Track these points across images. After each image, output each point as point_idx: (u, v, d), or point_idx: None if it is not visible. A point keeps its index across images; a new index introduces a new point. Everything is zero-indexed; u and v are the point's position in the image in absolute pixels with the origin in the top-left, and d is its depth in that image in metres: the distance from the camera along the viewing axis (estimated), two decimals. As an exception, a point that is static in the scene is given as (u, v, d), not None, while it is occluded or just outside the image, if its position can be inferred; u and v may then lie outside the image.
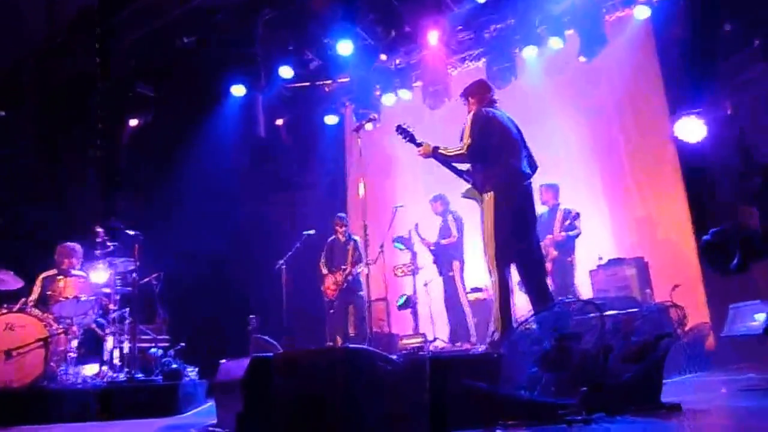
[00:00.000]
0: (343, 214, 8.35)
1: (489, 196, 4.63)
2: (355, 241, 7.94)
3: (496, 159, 4.70)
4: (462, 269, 7.71)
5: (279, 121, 10.29)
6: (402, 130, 5.14)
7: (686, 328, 6.43)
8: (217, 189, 9.34)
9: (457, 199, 5.46)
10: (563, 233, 7.33)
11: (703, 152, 7.05)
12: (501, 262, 4.53)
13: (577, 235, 7.40)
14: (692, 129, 6.77)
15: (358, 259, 7.79)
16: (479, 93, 5.03)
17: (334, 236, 8.17)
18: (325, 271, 8.07)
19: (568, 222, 7.36)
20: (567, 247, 7.33)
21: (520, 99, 8.25)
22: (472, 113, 4.85)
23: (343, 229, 8.09)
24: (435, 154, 4.88)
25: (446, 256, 7.76)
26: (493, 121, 4.79)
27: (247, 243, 9.84)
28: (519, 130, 4.90)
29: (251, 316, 7.51)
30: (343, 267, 7.85)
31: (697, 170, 7.65)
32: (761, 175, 4.70)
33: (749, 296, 5.80)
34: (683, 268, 7.38)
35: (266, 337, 7.12)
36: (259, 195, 10.30)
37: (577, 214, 7.39)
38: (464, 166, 4.96)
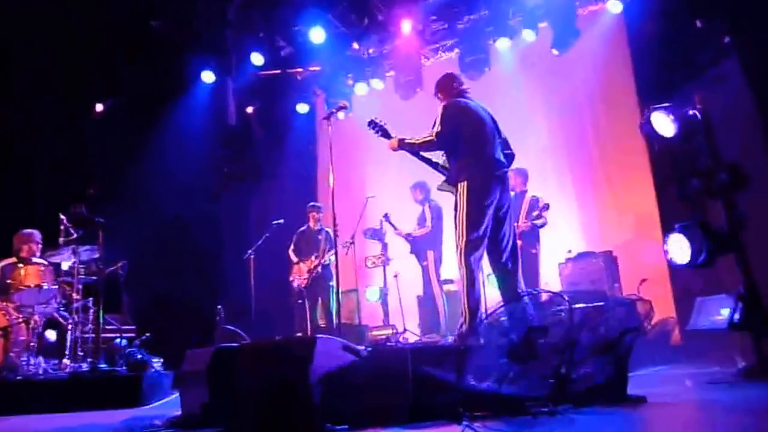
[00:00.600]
0: (318, 204, 8.32)
1: (462, 186, 4.62)
2: (327, 232, 7.90)
3: (469, 148, 4.68)
4: (438, 260, 7.66)
5: (249, 109, 10.19)
6: (374, 125, 5.12)
7: (653, 322, 6.54)
8: (185, 176, 9.22)
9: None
10: (528, 222, 7.19)
11: (672, 147, 7.14)
12: (471, 253, 4.53)
13: (543, 225, 7.34)
14: (664, 124, 6.84)
15: (329, 250, 7.75)
16: (447, 86, 5.04)
17: (305, 226, 8.12)
18: (295, 258, 8.03)
19: (536, 213, 7.33)
20: (532, 237, 7.24)
21: (492, 90, 8.27)
22: (443, 104, 4.87)
23: (319, 215, 8.08)
24: (402, 145, 4.89)
25: (421, 246, 7.72)
26: (465, 110, 4.79)
27: (215, 232, 9.76)
28: (494, 120, 4.90)
29: (219, 306, 7.45)
30: (315, 254, 7.82)
31: (665, 165, 7.75)
32: (727, 172, 4.76)
33: (714, 290, 5.90)
34: (651, 263, 7.47)
35: (233, 327, 7.07)
36: (227, 183, 10.21)
37: (547, 206, 7.31)
38: (439, 158, 4.95)
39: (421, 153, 4.96)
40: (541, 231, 7.42)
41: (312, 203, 8.28)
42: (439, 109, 4.81)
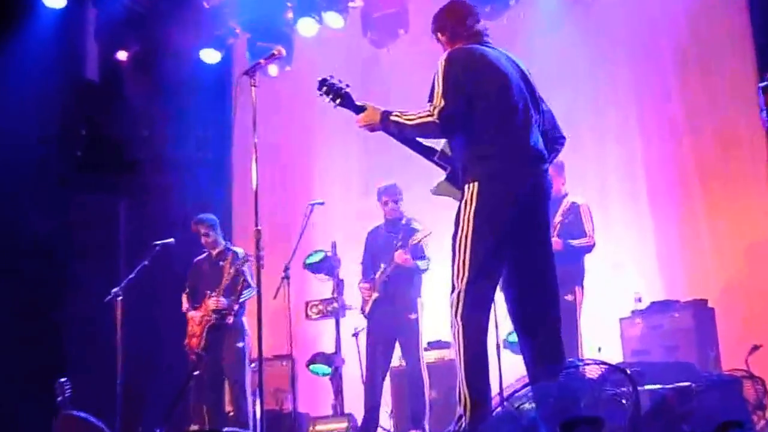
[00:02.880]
0: (209, 216, 8.21)
1: (471, 190, 4.56)
2: (235, 254, 7.83)
3: (487, 128, 4.57)
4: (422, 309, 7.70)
5: (122, 55, 10.12)
6: (329, 87, 5.00)
7: (769, 414, 6.63)
8: (10, 165, 9.13)
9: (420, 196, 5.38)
10: (560, 240, 7.07)
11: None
12: (476, 301, 4.52)
13: (588, 249, 7.37)
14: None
15: (244, 285, 7.70)
16: (455, 21, 4.97)
17: (205, 253, 8.10)
18: (185, 305, 7.94)
19: (566, 219, 7.29)
20: (569, 271, 7.10)
21: (519, 37, 8.35)
22: (445, 55, 4.79)
23: (212, 234, 7.99)
24: (385, 123, 4.78)
25: (407, 290, 7.72)
26: (481, 63, 4.68)
27: (58, 257, 9.65)
28: (530, 82, 4.86)
29: (62, 379, 7.39)
30: (211, 293, 7.72)
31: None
32: None
33: None
34: (768, 321, 7.58)
35: (85, 415, 7.03)
36: (81, 177, 10.11)
37: (577, 208, 7.30)
38: (437, 143, 4.92)
39: (412, 137, 4.90)
40: (589, 265, 7.43)
41: (199, 217, 8.17)
42: (440, 63, 4.75)
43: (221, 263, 7.90)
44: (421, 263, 7.60)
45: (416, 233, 7.53)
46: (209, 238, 8.05)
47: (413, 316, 7.60)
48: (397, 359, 7.85)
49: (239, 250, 7.87)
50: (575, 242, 7.25)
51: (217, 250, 8.05)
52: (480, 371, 4.48)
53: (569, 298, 7.17)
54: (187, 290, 8.10)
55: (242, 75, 5.65)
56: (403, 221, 7.73)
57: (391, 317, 7.65)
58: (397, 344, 7.73)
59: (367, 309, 7.78)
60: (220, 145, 10.30)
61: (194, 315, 7.86)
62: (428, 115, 4.55)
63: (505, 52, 4.84)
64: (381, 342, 7.69)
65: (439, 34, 4.98)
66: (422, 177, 5.12)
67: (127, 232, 9.76)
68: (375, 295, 7.71)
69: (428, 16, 5.11)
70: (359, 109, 4.87)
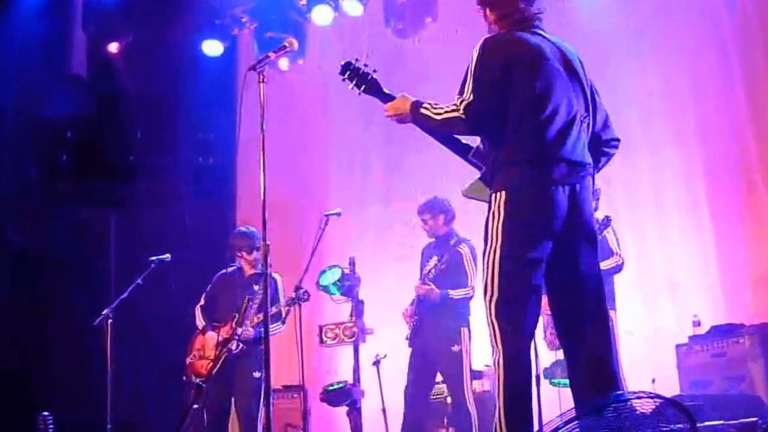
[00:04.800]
0: (252, 229, 8.22)
1: (498, 200, 4.54)
2: (274, 279, 7.74)
3: (518, 129, 4.56)
4: (470, 340, 7.69)
5: (113, 47, 10.17)
6: (353, 72, 5.02)
7: None
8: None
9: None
10: None
11: None
12: (510, 320, 4.53)
13: (617, 270, 7.35)
14: None
15: (275, 315, 7.59)
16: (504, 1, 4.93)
17: (234, 266, 8.07)
18: (201, 323, 7.88)
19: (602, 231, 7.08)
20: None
21: (559, 29, 8.36)
22: (480, 43, 4.76)
23: (253, 255, 7.95)
24: (416, 114, 4.77)
25: (447, 319, 7.74)
26: (518, 55, 4.67)
27: (40, 276, 9.69)
28: (580, 76, 4.80)
29: (43, 414, 7.41)
30: (237, 316, 7.68)
31: None
32: None
33: None
34: None
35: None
36: (67, 186, 10.15)
37: (608, 221, 7.19)
38: (473, 140, 4.90)
39: (439, 132, 4.88)
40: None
41: (240, 229, 8.18)
42: (474, 51, 4.71)
43: (255, 287, 7.87)
44: (454, 292, 7.57)
45: (428, 263, 7.61)
46: (251, 257, 8.03)
47: (456, 349, 7.57)
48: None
49: (277, 277, 7.88)
50: (604, 264, 7.13)
51: (252, 272, 8.05)
52: (520, 399, 4.46)
53: None
54: (203, 303, 8.04)
55: (249, 70, 5.65)
56: (452, 241, 7.72)
57: (431, 347, 7.67)
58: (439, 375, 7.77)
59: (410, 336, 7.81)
60: (223, 149, 10.28)
61: (213, 336, 7.84)
62: (454, 110, 4.56)
63: (554, 40, 4.72)
64: (419, 373, 7.71)
65: (487, 10, 4.89)
66: (453, 183, 5.10)
67: (118, 247, 9.77)
68: (415, 318, 7.74)
69: (459, 3, 5.09)
70: (387, 98, 4.88)
